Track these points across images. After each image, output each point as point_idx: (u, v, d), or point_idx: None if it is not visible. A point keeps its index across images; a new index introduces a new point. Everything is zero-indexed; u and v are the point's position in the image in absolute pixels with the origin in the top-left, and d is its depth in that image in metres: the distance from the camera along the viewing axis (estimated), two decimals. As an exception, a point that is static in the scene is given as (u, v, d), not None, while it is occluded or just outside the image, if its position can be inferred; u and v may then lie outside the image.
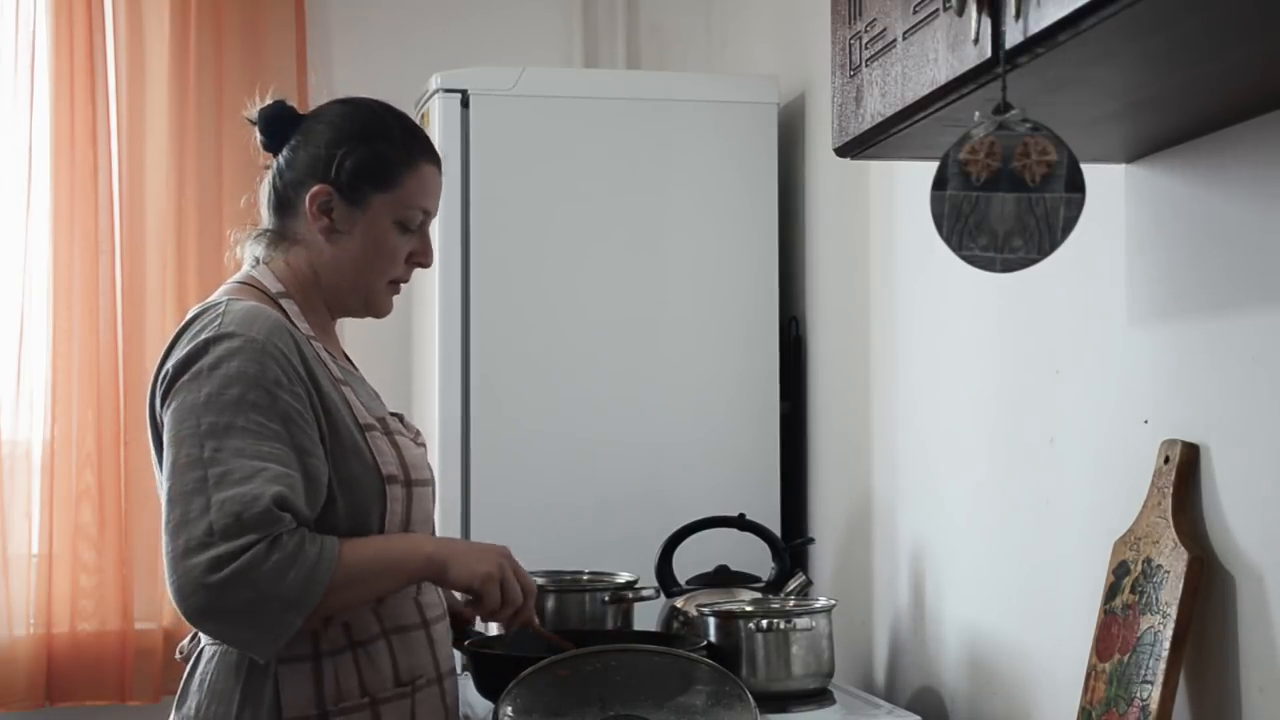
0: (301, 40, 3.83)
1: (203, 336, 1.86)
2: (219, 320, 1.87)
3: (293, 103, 2.08)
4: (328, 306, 2.04)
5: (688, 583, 2.67)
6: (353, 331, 2.18)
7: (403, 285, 2.07)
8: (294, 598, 1.78)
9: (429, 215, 2.04)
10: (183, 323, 1.93)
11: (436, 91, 3.04)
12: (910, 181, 2.49)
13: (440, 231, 3.00)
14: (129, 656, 3.62)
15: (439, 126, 3.01)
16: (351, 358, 2.16)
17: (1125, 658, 1.74)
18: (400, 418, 2.10)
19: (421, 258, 2.05)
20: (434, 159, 2.05)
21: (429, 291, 3.11)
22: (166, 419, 1.86)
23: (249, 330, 1.86)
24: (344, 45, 3.92)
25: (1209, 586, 1.69)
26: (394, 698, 1.92)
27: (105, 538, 3.62)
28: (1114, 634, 1.78)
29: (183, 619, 1.82)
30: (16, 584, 3.59)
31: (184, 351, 1.86)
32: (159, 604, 3.62)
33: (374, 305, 2.05)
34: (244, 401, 1.82)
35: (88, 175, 3.65)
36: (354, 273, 2.01)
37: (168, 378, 1.87)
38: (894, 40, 1.61)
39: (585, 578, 2.63)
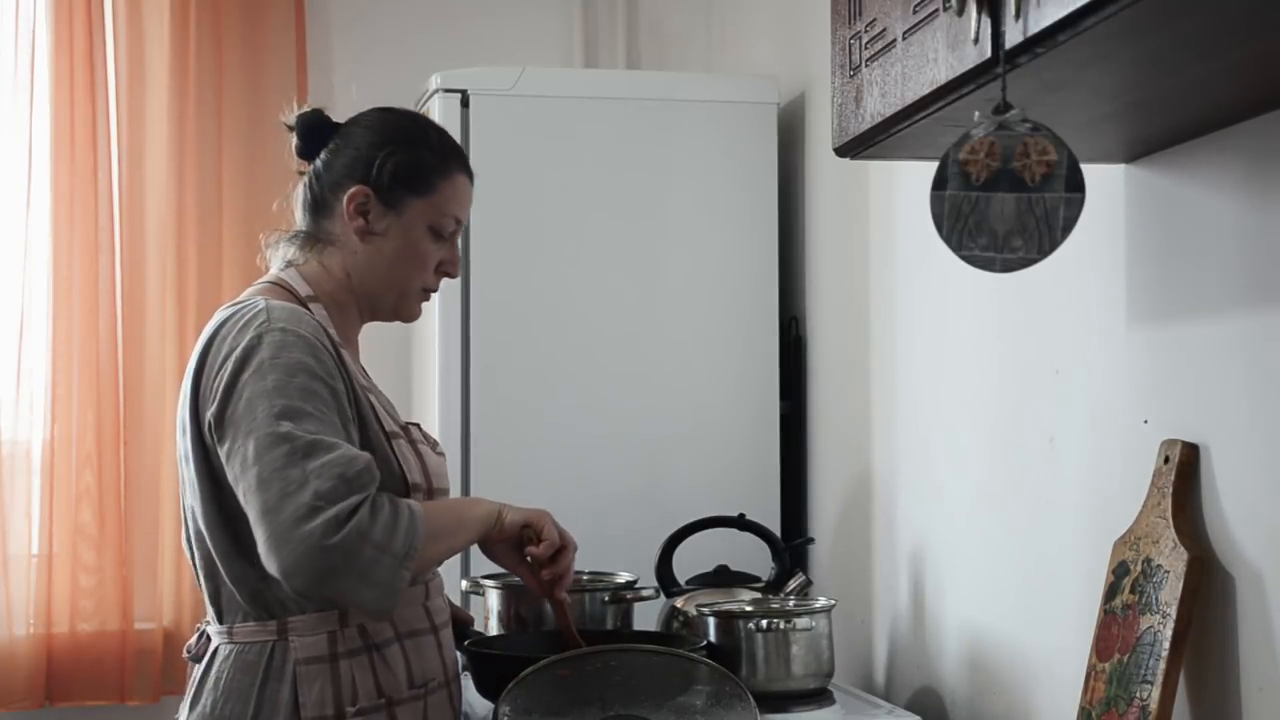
0: (301, 40, 3.82)
1: (252, 331, 1.87)
2: (265, 318, 1.89)
3: (329, 112, 2.11)
4: (359, 310, 2.06)
5: (688, 583, 2.66)
6: (352, 332, 2.19)
7: (433, 295, 2.11)
8: (403, 551, 1.81)
9: (460, 225, 2.09)
10: (217, 322, 1.94)
11: (436, 91, 3.04)
12: (910, 181, 2.49)
13: (440, 231, 3.00)
14: (129, 656, 3.61)
15: (439, 126, 3.01)
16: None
17: (1125, 658, 1.74)
18: (418, 427, 2.12)
19: (450, 267, 2.09)
20: (468, 170, 2.11)
21: (429, 291, 3.11)
22: (231, 415, 1.84)
23: (297, 327, 1.89)
24: (344, 45, 3.91)
25: (1209, 586, 1.69)
26: (409, 699, 1.94)
27: (105, 538, 3.62)
28: (1114, 634, 1.78)
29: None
30: (16, 584, 3.58)
31: (238, 347, 1.86)
32: (159, 604, 3.62)
33: (404, 309, 2.10)
34: (309, 390, 1.85)
35: (88, 175, 3.64)
36: (387, 275, 2.04)
37: (226, 374, 1.86)
38: (894, 40, 1.61)
39: (585, 578, 2.62)
